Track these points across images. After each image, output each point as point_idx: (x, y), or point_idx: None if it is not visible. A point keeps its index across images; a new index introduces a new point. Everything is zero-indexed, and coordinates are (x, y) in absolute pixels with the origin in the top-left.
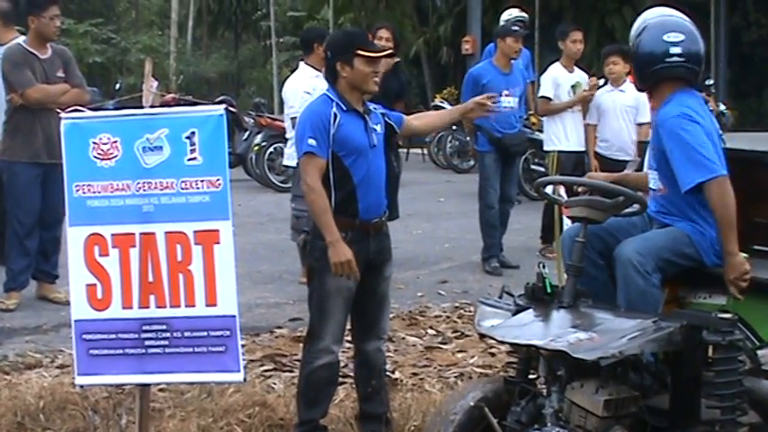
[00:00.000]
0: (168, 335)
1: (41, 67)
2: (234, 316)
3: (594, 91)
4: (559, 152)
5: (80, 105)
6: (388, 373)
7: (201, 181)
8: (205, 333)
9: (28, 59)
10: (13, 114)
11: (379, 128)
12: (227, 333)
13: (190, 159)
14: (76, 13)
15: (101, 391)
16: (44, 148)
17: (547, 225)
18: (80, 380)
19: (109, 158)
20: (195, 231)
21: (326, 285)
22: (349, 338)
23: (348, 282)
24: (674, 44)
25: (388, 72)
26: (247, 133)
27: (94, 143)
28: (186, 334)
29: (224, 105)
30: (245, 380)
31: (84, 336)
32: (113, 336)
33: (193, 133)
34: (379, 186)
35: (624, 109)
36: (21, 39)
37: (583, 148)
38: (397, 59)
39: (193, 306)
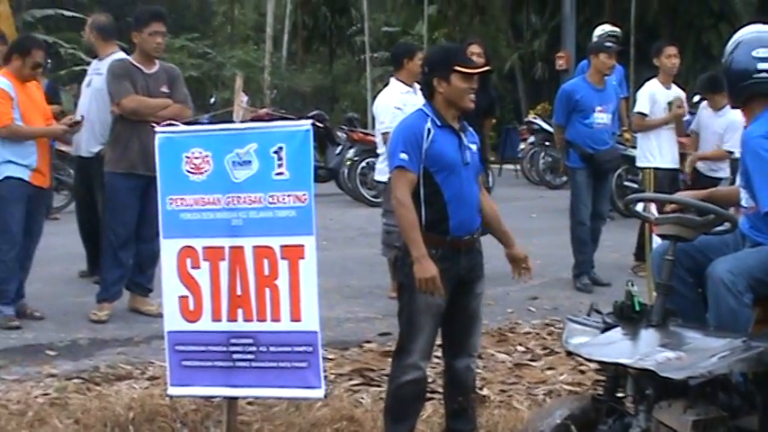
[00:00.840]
0: (254, 349)
1: (145, 81)
2: (316, 332)
3: (684, 109)
4: (655, 169)
5: (180, 120)
6: (477, 390)
7: (288, 195)
8: (289, 348)
9: (130, 72)
10: (114, 126)
11: (474, 147)
12: (310, 349)
13: (277, 174)
14: (173, 27)
15: (189, 404)
16: (140, 159)
17: (641, 242)
18: (172, 390)
19: (200, 172)
20: (281, 246)
21: (417, 302)
22: (437, 354)
23: (438, 299)
24: (763, 60)
25: (478, 88)
26: (340, 148)
27: (187, 157)
28: (272, 348)
29: (311, 121)
30: (325, 396)
31: (177, 347)
32: (203, 348)
33: (281, 148)
34: (471, 204)
35: (722, 126)
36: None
37: (677, 166)
38: (489, 69)
39: (279, 321)
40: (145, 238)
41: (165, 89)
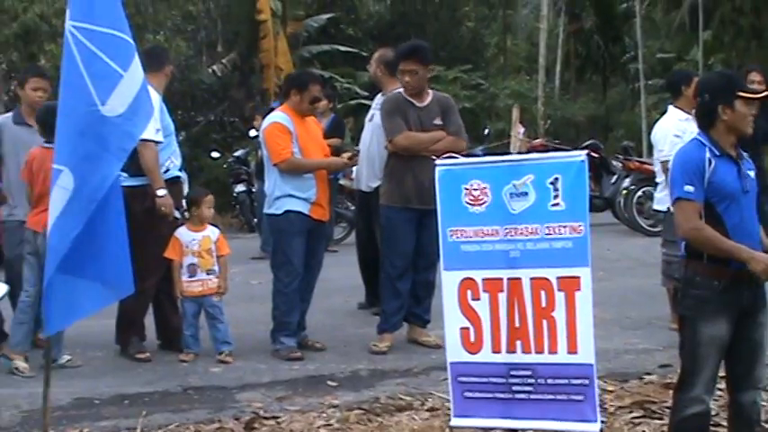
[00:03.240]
0: (533, 381)
1: (417, 114)
2: (592, 365)
3: None
4: None
5: (456, 152)
6: (762, 424)
7: (564, 227)
8: (566, 381)
9: (402, 107)
10: (388, 159)
11: (752, 173)
12: (586, 382)
13: (553, 205)
14: (447, 59)
15: None
16: (414, 193)
17: None
18: (455, 421)
19: (479, 204)
20: (558, 277)
21: (699, 334)
22: (720, 386)
23: (721, 331)
24: None
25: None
26: (615, 177)
27: (466, 189)
28: (549, 381)
29: (586, 151)
30: (601, 430)
31: (459, 378)
32: (485, 379)
33: (557, 179)
34: (752, 232)
35: None
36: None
37: None
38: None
39: (556, 353)
40: (419, 269)
41: (438, 121)
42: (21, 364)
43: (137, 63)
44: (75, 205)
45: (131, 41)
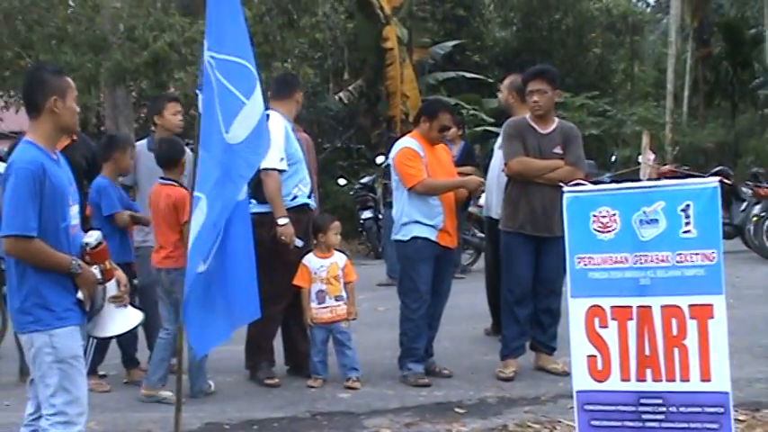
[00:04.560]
0: (664, 409)
1: (537, 141)
2: (727, 393)
3: None
4: None
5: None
6: None
7: (696, 254)
8: (699, 409)
9: (523, 132)
10: (507, 184)
11: None
12: (721, 410)
13: (684, 232)
14: (573, 86)
15: None
16: (528, 220)
17: None
18: None
19: (608, 231)
20: (690, 305)
21: None
22: None
23: None
24: None
25: None
26: (745, 204)
27: (594, 216)
28: (682, 409)
29: (718, 178)
30: None
31: (586, 406)
32: (612, 408)
33: (688, 206)
34: None
35: None
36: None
37: None
38: None
39: (688, 381)
40: (542, 297)
41: (558, 150)
42: (165, 393)
43: (258, 92)
44: (204, 232)
45: (254, 71)
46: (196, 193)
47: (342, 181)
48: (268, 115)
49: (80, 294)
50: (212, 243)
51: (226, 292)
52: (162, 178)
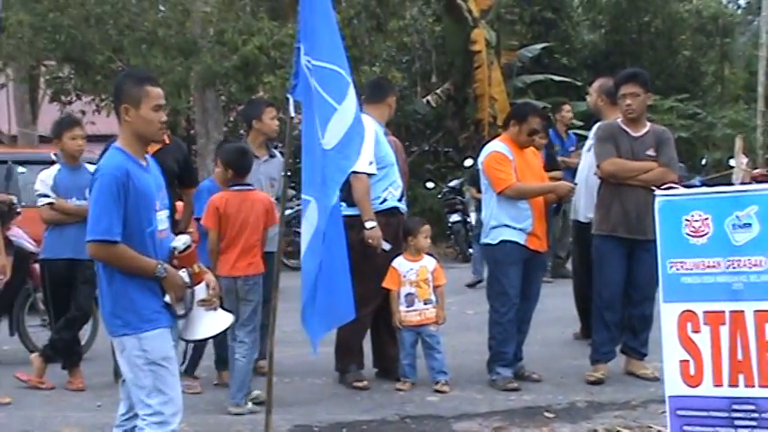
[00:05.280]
0: (757, 415)
1: (630, 144)
2: None
3: None
4: None
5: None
6: None
7: None
8: None
9: (616, 135)
10: (600, 187)
11: None
12: None
13: None
14: (663, 89)
15: None
16: (621, 222)
17: None
18: None
19: (700, 236)
20: None
21: None
22: None
23: None
24: None
25: None
26: None
27: (687, 220)
28: None
29: None
30: None
31: (678, 411)
32: (705, 413)
33: None
34: None
35: None
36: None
37: None
38: None
39: None
40: (634, 302)
41: (651, 152)
42: (256, 392)
43: (351, 97)
44: (316, 234)
45: (347, 76)
46: (305, 197)
47: (429, 184)
48: None
49: (167, 298)
50: (320, 245)
51: (326, 293)
52: (240, 184)
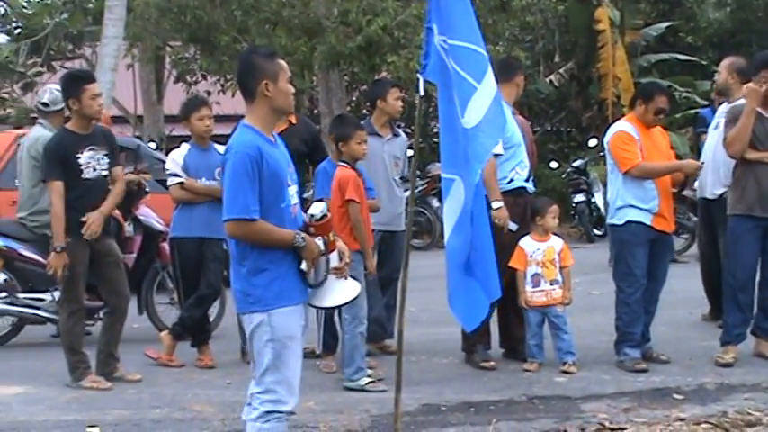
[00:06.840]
0: None
1: (764, 126)
2: None
3: None
4: None
5: None
6: None
7: None
8: None
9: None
10: (735, 167)
11: None
12: None
13: None
14: None
15: None
16: (758, 201)
17: None
18: None
19: None
20: None
21: None
22: None
23: None
24: None
25: None
26: None
27: None
28: None
29: None
30: None
31: None
32: None
33: None
34: None
35: None
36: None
37: None
38: None
39: None
40: (767, 282)
41: None
42: (369, 371)
43: (490, 75)
44: (464, 214)
45: (485, 54)
46: (447, 176)
47: (553, 164)
48: None
49: (303, 265)
50: (468, 224)
51: (478, 270)
52: (341, 161)
